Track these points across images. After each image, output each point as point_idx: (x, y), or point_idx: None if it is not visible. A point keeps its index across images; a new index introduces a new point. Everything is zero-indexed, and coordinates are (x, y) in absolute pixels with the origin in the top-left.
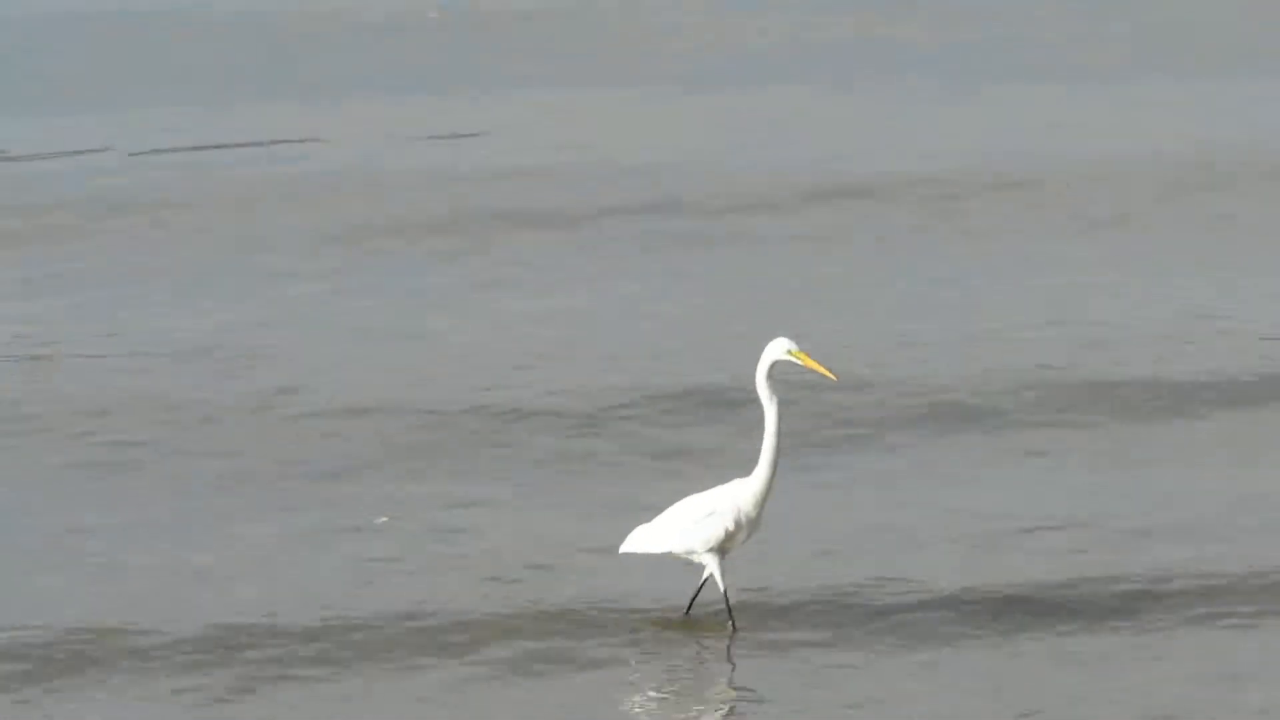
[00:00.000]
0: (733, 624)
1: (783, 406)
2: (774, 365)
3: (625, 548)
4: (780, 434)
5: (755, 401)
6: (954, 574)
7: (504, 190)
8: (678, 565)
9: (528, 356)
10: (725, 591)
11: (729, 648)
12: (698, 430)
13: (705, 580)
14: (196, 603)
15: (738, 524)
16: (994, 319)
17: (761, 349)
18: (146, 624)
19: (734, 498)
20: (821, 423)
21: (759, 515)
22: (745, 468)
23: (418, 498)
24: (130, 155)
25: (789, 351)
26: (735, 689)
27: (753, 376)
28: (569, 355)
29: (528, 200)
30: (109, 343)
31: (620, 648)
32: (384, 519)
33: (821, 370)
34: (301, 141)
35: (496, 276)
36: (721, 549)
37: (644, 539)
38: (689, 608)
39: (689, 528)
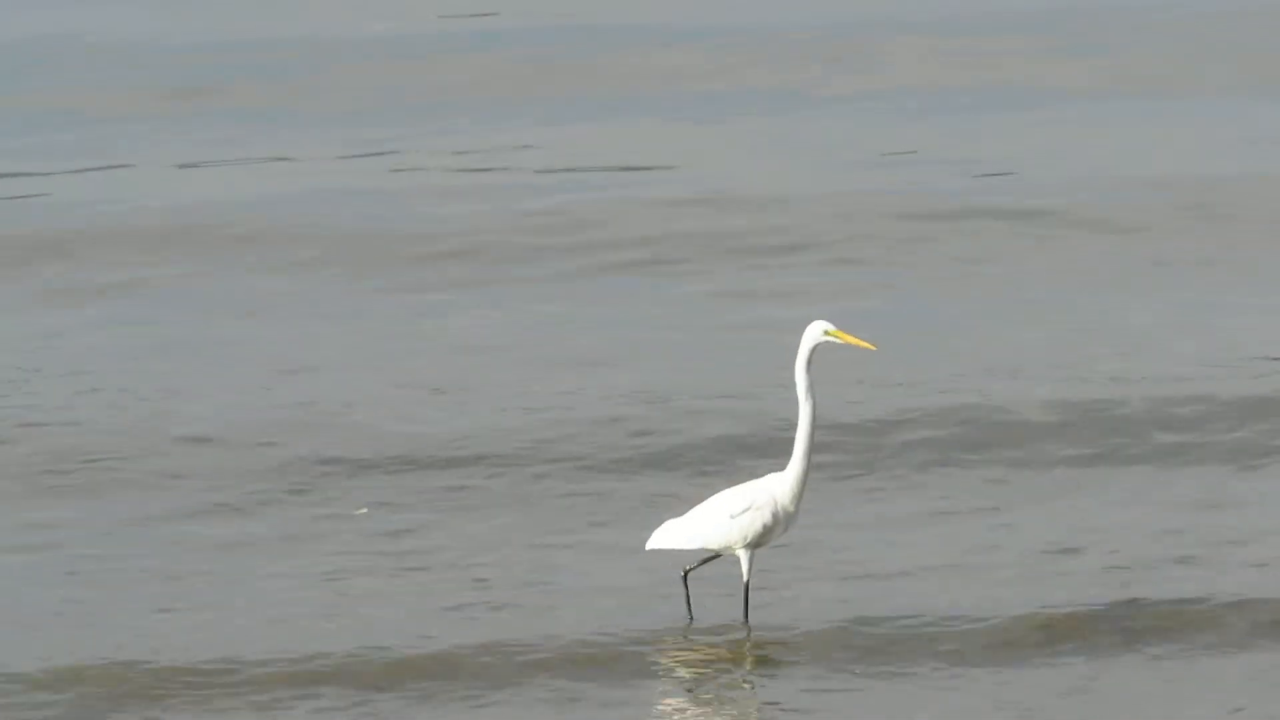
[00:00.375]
0: (747, 623)
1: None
2: (814, 350)
3: (653, 544)
4: (814, 426)
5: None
6: (971, 599)
7: (533, 217)
8: (676, 580)
9: (531, 379)
10: (748, 586)
11: (748, 669)
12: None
13: (746, 582)
14: (197, 629)
15: (775, 518)
16: (1018, 347)
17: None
18: (132, 652)
19: (770, 492)
20: (841, 454)
21: (796, 509)
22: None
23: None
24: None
25: (826, 332)
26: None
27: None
28: (565, 377)
29: (548, 227)
30: (96, 354)
31: (635, 674)
32: (364, 509)
33: (861, 344)
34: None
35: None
36: (757, 543)
37: (675, 535)
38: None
39: (725, 523)
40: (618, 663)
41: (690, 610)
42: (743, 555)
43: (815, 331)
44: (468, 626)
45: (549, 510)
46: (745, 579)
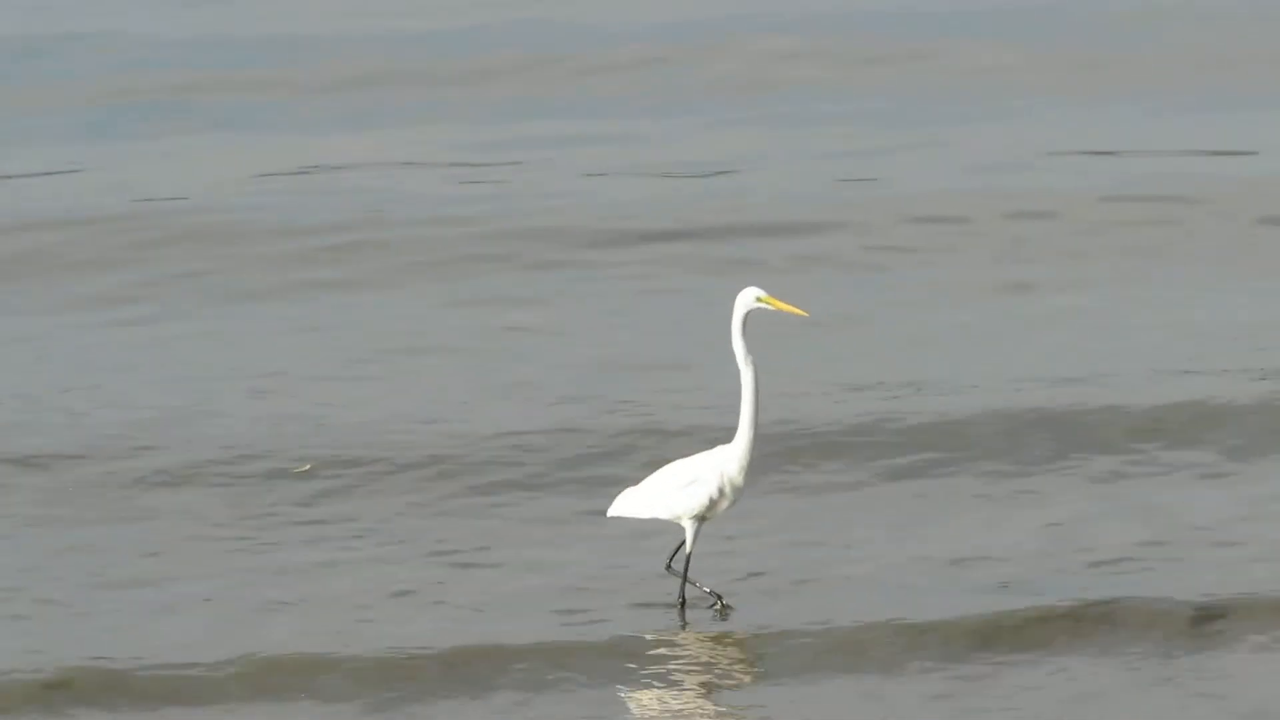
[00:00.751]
0: (683, 598)
1: (759, 368)
2: (748, 316)
3: (613, 511)
4: (759, 394)
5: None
6: (941, 604)
7: (462, 220)
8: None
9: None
10: (689, 559)
11: (715, 668)
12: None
13: (685, 556)
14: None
15: (721, 490)
16: (979, 354)
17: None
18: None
19: (718, 464)
20: (794, 458)
21: (743, 480)
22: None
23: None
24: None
25: (758, 299)
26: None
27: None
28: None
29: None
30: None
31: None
32: (307, 466)
33: (793, 310)
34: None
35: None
36: (704, 515)
37: (631, 504)
38: (682, 594)
39: (674, 494)
40: (590, 658)
41: (708, 592)
42: (688, 526)
43: (747, 298)
44: (431, 623)
45: (505, 503)
46: (687, 550)
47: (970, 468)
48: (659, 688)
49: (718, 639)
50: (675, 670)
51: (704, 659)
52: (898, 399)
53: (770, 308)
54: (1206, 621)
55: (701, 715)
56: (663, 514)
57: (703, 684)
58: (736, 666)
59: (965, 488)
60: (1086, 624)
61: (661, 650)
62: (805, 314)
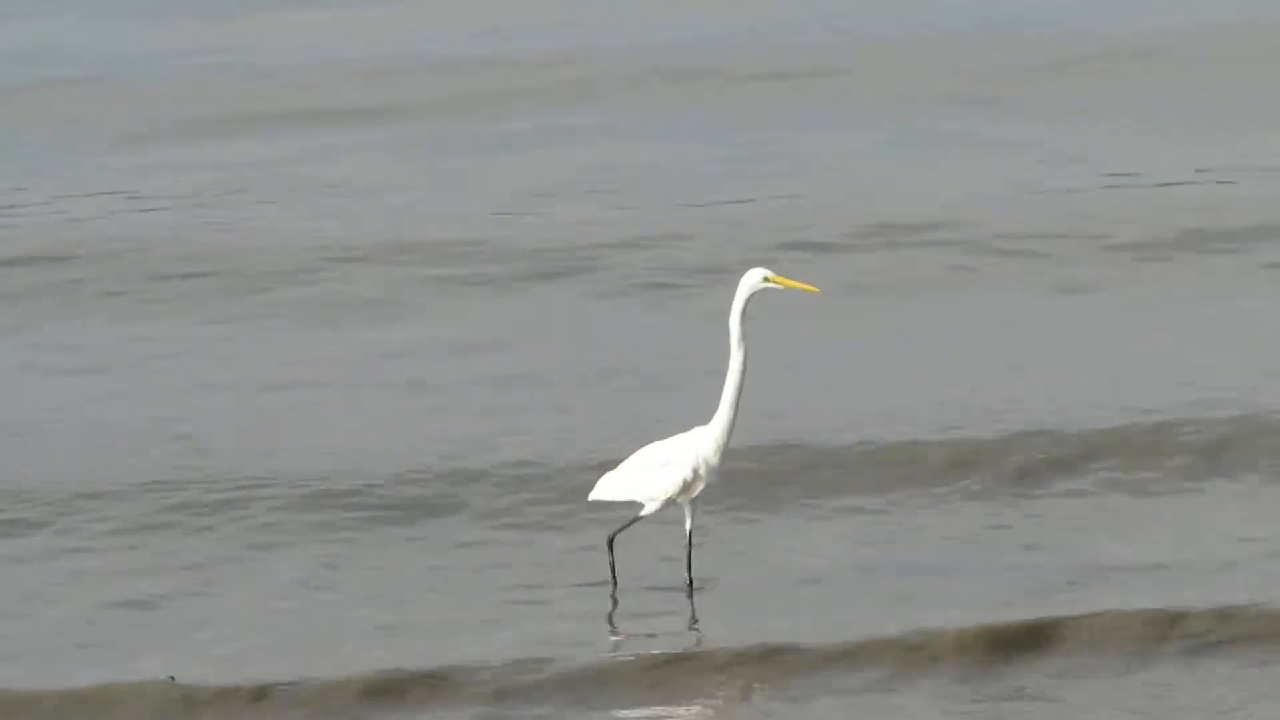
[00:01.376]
0: (614, 581)
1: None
2: (751, 298)
3: (594, 495)
4: (744, 377)
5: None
6: (915, 612)
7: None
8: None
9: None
10: (629, 525)
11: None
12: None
13: (688, 543)
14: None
15: (696, 473)
16: (963, 371)
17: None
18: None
19: (693, 446)
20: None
21: (719, 460)
22: None
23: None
24: None
25: (765, 279)
26: None
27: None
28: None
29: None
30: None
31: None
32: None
33: (803, 286)
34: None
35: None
36: (677, 498)
37: (610, 488)
38: (689, 575)
39: (649, 476)
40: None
41: (691, 577)
42: (651, 507)
43: (753, 279)
44: (396, 649)
45: (469, 528)
46: (636, 515)
47: (972, 482)
48: (658, 704)
49: (708, 648)
50: (674, 683)
51: (703, 671)
52: (900, 416)
53: (779, 287)
54: (1206, 629)
55: None
56: (639, 496)
57: (699, 698)
58: (734, 680)
59: (965, 500)
60: (1097, 634)
61: (658, 661)
62: (816, 290)
